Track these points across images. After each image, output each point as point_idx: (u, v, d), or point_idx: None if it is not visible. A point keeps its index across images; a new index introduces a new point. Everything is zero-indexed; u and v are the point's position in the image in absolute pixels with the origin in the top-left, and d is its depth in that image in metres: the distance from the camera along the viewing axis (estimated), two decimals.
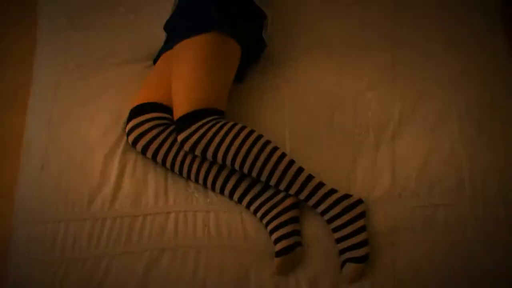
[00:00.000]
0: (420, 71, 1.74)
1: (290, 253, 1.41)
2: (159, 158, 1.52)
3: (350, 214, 1.45)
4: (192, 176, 1.52)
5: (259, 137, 1.48)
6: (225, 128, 1.47)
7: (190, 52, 1.54)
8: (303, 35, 1.81)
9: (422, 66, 1.75)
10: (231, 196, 1.50)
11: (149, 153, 1.52)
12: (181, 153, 1.51)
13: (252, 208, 1.49)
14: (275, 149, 1.47)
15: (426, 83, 1.72)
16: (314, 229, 1.47)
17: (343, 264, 1.41)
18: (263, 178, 1.46)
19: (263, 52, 1.74)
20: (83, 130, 1.60)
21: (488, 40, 1.83)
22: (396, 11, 1.88)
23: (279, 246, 1.42)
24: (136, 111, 1.55)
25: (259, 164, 1.45)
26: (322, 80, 1.72)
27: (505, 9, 1.96)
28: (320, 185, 1.46)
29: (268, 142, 1.48)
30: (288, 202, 1.47)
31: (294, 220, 1.46)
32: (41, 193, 1.50)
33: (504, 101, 1.70)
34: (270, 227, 1.45)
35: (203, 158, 1.50)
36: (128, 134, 1.54)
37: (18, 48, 2.35)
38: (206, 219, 1.48)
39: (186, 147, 1.48)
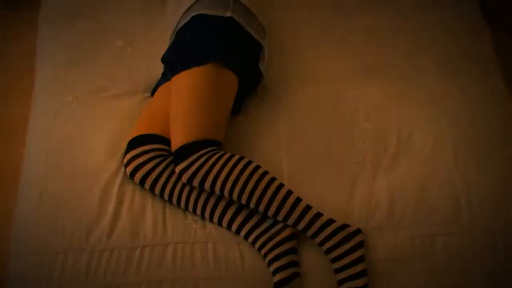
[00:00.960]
0: (415, 101, 1.75)
1: (289, 284, 1.40)
2: (157, 189, 1.52)
3: (348, 244, 1.44)
4: (190, 207, 1.52)
5: (257, 167, 1.48)
6: (223, 159, 1.47)
7: (187, 84, 1.55)
8: (300, 66, 1.83)
9: (417, 96, 1.76)
10: (229, 227, 1.50)
11: (147, 185, 1.53)
12: (179, 184, 1.51)
13: (250, 239, 1.48)
14: (272, 179, 1.48)
15: (422, 113, 1.72)
16: (313, 260, 1.47)
17: None
18: (261, 208, 1.46)
19: (260, 83, 1.75)
20: (81, 161, 1.60)
21: (482, 69, 1.84)
22: (392, 41, 1.89)
23: (277, 277, 1.41)
24: (134, 143, 1.56)
25: (256, 194, 1.45)
26: (319, 111, 1.73)
27: (496, 35, 1.98)
28: (318, 215, 1.46)
29: (265, 173, 1.48)
30: (286, 232, 1.47)
31: (292, 251, 1.46)
32: (38, 224, 1.49)
33: (499, 130, 1.71)
34: (268, 258, 1.45)
35: (201, 189, 1.50)
36: (126, 165, 1.54)
37: (17, 81, 2.37)
38: (204, 250, 1.47)
39: (184, 178, 1.48)
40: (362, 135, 1.68)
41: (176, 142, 1.51)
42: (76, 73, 1.79)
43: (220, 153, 1.49)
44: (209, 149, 1.49)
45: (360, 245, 1.45)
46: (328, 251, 1.45)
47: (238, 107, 1.69)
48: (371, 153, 1.64)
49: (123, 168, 1.57)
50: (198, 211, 1.51)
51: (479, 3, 2.02)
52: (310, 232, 1.46)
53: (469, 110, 1.74)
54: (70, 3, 1.94)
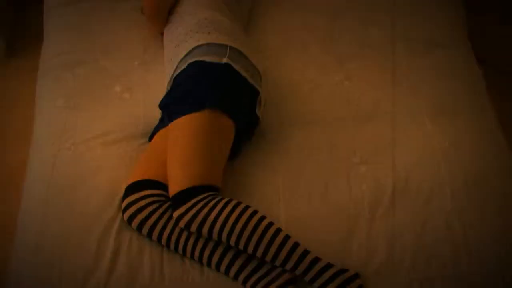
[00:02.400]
0: (411, 144, 1.76)
1: None
2: (155, 235, 1.52)
3: None
4: (188, 253, 1.51)
5: (254, 212, 1.48)
6: (220, 205, 1.47)
7: (184, 130, 1.57)
8: (296, 110, 1.84)
9: (413, 139, 1.77)
10: (227, 272, 1.49)
11: (145, 230, 1.52)
12: (177, 230, 1.51)
13: (249, 284, 1.47)
14: (270, 224, 1.47)
15: (418, 156, 1.73)
16: None
17: None
18: (259, 253, 1.46)
19: (257, 127, 1.76)
20: (79, 208, 1.59)
21: (476, 110, 1.86)
22: (386, 86, 1.91)
23: None
24: (132, 188, 1.56)
25: (254, 240, 1.45)
26: (315, 155, 1.73)
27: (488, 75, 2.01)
28: (316, 260, 1.45)
29: (263, 218, 1.48)
30: (284, 278, 1.46)
31: None
32: (35, 274, 1.48)
33: (496, 173, 1.71)
34: None
35: (199, 234, 1.50)
36: (124, 211, 1.54)
37: (16, 126, 2.38)
38: None
39: (182, 223, 1.48)
40: (358, 179, 1.68)
41: (174, 187, 1.52)
42: (75, 119, 1.80)
43: (218, 198, 1.49)
44: (206, 194, 1.50)
45: None
46: None
47: (235, 152, 1.69)
48: (368, 197, 1.64)
49: (120, 214, 1.57)
50: (196, 256, 1.51)
51: (471, 46, 2.05)
52: (308, 276, 1.45)
53: (466, 153, 1.75)
54: (70, 50, 1.96)
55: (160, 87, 1.80)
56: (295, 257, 1.45)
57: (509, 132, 1.88)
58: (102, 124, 1.78)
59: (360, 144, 1.76)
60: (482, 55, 2.13)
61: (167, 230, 1.51)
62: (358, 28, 2.06)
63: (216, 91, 1.60)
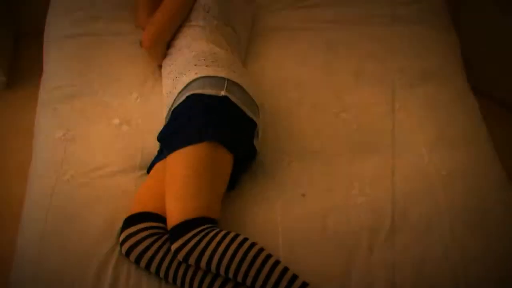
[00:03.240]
0: (409, 175, 1.77)
1: None
2: (153, 267, 1.51)
3: None
4: (186, 286, 1.50)
5: (252, 244, 1.48)
6: (219, 237, 1.47)
7: (183, 162, 1.57)
8: (294, 142, 1.85)
9: (411, 170, 1.78)
10: None
11: (143, 263, 1.52)
12: (175, 262, 1.51)
13: None
14: (268, 256, 1.47)
15: (416, 187, 1.74)
16: None
17: None
18: (257, 286, 1.45)
19: (255, 159, 1.77)
20: (77, 240, 1.59)
21: (474, 141, 1.88)
22: (383, 118, 1.92)
23: None
24: (130, 221, 1.56)
25: (252, 272, 1.44)
26: (314, 186, 1.74)
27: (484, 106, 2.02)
28: None
29: (261, 250, 1.48)
30: None
31: None
32: None
33: (494, 203, 1.71)
34: None
35: (197, 267, 1.49)
36: (122, 243, 1.54)
37: (14, 158, 2.39)
38: None
39: (180, 256, 1.48)
40: (357, 210, 1.68)
41: (172, 220, 1.52)
42: (73, 151, 1.80)
43: (216, 231, 1.49)
44: (204, 226, 1.50)
45: None
46: None
47: (233, 183, 1.70)
48: (367, 229, 1.64)
49: (119, 247, 1.56)
50: None
51: (466, 79, 2.07)
52: None
53: (464, 183, 1.75)
54: (69, 83, 1.97)
55: (158, 120, 1.81)
56: None
57: (506, 160, 1.89)
58: (101, 156, 1.79)
59: (358, 176, 1.76)
60: (477, 84, 2.14)
61: (166, 263, 1.51)
62: (354, 61, 2.08)
63: (214, 124, 1.61)
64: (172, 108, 1.72)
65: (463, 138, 1.88)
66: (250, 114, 1.69)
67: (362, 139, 1.87)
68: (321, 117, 1.92)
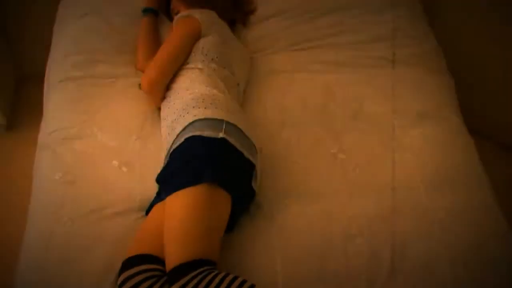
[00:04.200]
0: (407, 216, 1.76)
1: None
2: None
3: None
4: None
5: (252, 287, 1.47)
6: (217, 279, 1.46)
7: (181, 204, 1.58)
8: (292, 183, 1.85)
9: (408, 210, 1.78)
10: None
11: None
12: None
13: None
14: None
15: (414, 227, 1.73)
16: None
17: None
18: None
19: (253, 200, 1.78)
20: (75, 283, 1.58)
21: (470, 179, 1.88)
22: (381, 158, 1.93)
23: None
24: (128, 263, 1.55)
25: None
26: (312, 227, 1.73)
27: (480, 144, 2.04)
28: None
29: None
30: None
31: None
32: None
33: (493, 242, 1.71)
34: None
35: None
36: (120, 286, 1.53)
37: (13, 200, 2.39)
38: None
39: None
40: (356, 251, 1.67)
41: (170, 262, 1.51)
42: (72, 193, 1.80)
43: (214, 273, 1.49)
44: (203, 268, 1.49)
45: None
46: None
47: (231, 225, 1.69)
48: (366, 270, 1.63)
49: None
50: None
51: (462, 120, 2.09)
52: None
53: (462, 222, 1.75)
54: (68, 125, 1.98)
55: (157, 161, 1.82)
56: None
57: (503, 198, 1.89)
58: (100, 198, 1.79)
59: (357, 216, 1.76)
60: (473, 122, 2.16)
61: None
62: (351, 102, 2.11)
63: (213, 166, 1.62)
64: (171, 150, 1.73)
65: (461, 178, 1.88)
66: (248, 155, 1.70)
67: (360, 179, 1.87)
68: (319, 158, 1.93)
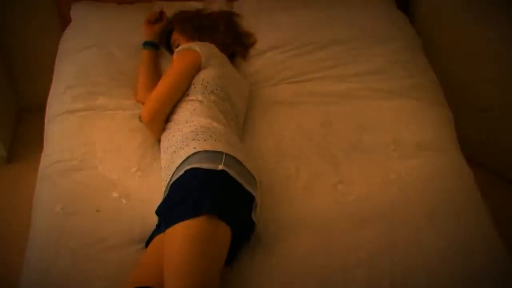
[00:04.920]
0: (406, 248, 1.76)
1: None
2: None
3: None
4: None
5: None
6: None
7: (181, 237, 1.57)
8: (292, 214, 1.85)
9: (408, 242, 1.77)
10: None
11: None
12: None
13: None
14: None
15: (414, 259, 1.73)
16: None
17: None
18: None
19: (253, 232, 1.77)
20: None
21: (469, 211, 1.88)
22: (380, 189, 1.93)
23: None
24: None
25: None
26: (311, 259, 1.73)
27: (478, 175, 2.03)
28: None
29: None
30: None
31: None
32: None
33: (493, 275, 1.70)
34: None
35: None
36: None
37: (13, 232, 2.38)
38: None
39: None
40: (355, 283, 1.67)
41: None
42: (72, 225, 1.80)
43: None
44: None
45: None
46: None
47: (231, 257, 1.69)
48: None
49: None
50: None
51: (460, 151, 2.09)
52: None
53: (461, 254, 1.74)
54: (69, 157, 1.99)
55: (157, 193, 1.83)
56: None
57: (502, 228, 1.88)
58: (99, 230, 1.79)
59: (356, 248, 1.76)
60: (471, 153, 2.17)
61: None
62: (350, 133, 2.12)
63: (213, 198, 1.63)
64: (171, 182, 1.74)
65: (460, 209, 1.88)
66: (248, 187, 1.71)
67: (360, 211, 1.87)
68: (319, 189, 1.93)
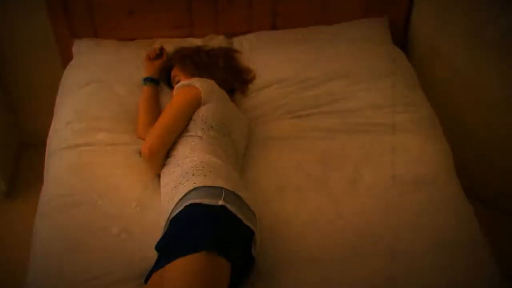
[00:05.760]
0: (406, 282, 1.75)
1: None
2: None
3: None
4: None
5: None
6: None
7: (180, 273, 1.57)
8: (291, 250, 1.85)
9: (408, 277, 1.76)
10: None
11: None
12: None
13: None
14: None
15: None
16: None
17: None
18: None
19: (253, 268, 1.77)
20: None
21: (471, 246, 1.87)
22: (380, 222, 1.93)
23: None
24: None
25: None
26: None
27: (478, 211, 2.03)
28: None
29: None
30: None
31: None
32: None
33: None
34: None
35: None
36: None
37: (11, 269, 2.36)
38: None
39: None
40: None
41: None
42: (71, 261, 1.79)
43: None
44: None
45: None
46: None
47: None
48: None
49: None
50: None
51: (460, 185, 2.09)
52: None
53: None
54: (68, 192, 2.00)
55: (157, 229, 1.83)
56: None
57: (503, 262, 1.88)
58: (99, 265, 1.78)
59: (356, 283, 1.75)
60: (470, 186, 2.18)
61: None
62: (350, 168, 2.13)
63: (212, 233, 1.63)
64: (171, 217, 1.74)
65: (461, 245, 1.87)
66: (247, 222, 1.71)
67: (360, 246, 1.86)
68: (318, 224, 1.93)
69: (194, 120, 2.01)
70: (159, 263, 1.71)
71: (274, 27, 2.71)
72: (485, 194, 2.65)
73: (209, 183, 1.74)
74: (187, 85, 2.07)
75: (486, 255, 1.85)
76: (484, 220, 2.00)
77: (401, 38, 2.80)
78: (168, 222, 1.75)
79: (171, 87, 2.34)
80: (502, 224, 2.62)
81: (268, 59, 2.49)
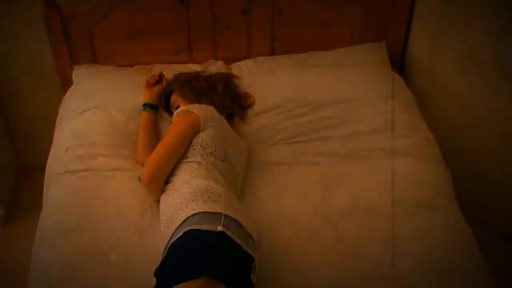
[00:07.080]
0: None
1: None
2: None
3: None
4: None
5: None
6: None
7: None
8: (290, 275, 1.84)
9: None
10: None
11: None
12: None
13: None
14: None
15: None
16: None
17: None
18: None
19: None
20: None
21: (471, 271, 1.87)
22: (380, 250, 1.93)
23: None
24: None
25: None
26: None
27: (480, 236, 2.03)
28: None
29: None
30: None
31: None
32: None
33: None
34: None
35: None
36: None
37: None
38: None
39: None
40: None
41: None
42: (69, 287, 1.79)
43: None
44: None
45: None
46: None
47: None
48: None
49: None
50: None
51: (459, 209, 2.10)
52: None
53: None
54: (67, 218, 1.99)
55: (156, 255, 1.81)
56: None
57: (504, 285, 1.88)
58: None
59: None
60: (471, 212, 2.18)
61: None
62: (349, 193, 2.13)
63: (212, 260, 1.62)
64: (170, 243, 1.73)
65: (460, 267, 1.88)
66: (246, 248, 1.70)
67: (361, 270, 1.86)
68: (318, 249, 1.93)
69: (193, 146, 2.02)
70: None
71: (272, 52, 2.74)
72: (484, 216, 2.65)
73: (208, 208, 1.74)
74: (186, 111, 2.08)
75: (485, 276, 1.85)
76: (483, 243, 2.00)
77: (398, 63, 2.82)
78: (167, 248, 1.74)
79: (170, 113, 2.36)
80: (501, 246, 2.62)
81: (267, 84, 2.51)
